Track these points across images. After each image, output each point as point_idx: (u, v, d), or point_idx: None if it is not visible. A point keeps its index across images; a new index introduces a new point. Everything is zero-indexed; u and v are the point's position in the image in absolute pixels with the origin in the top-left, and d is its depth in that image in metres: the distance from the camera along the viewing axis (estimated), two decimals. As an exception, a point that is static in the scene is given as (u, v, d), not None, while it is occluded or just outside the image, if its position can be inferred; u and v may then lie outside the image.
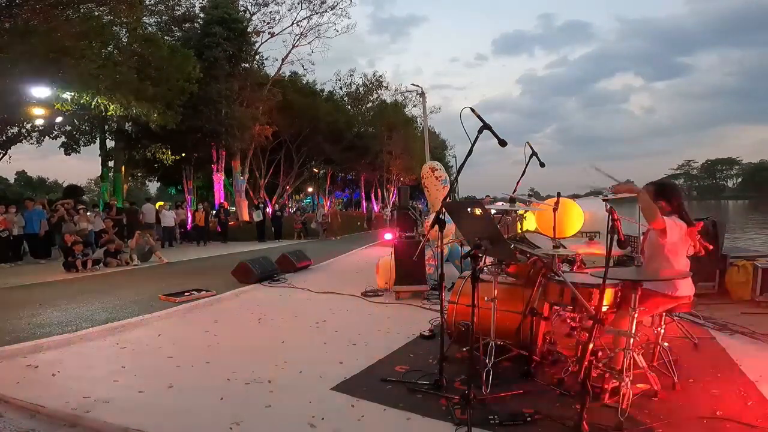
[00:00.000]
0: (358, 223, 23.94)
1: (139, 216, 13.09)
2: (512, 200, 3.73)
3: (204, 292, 5.86)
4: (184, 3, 19.88)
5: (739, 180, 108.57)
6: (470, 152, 2.61)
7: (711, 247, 2.88)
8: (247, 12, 21.50)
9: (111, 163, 19.70)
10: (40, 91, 11.51)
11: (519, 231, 4.65)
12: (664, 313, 2.82)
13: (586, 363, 2.20)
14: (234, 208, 21.56)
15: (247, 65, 21.05)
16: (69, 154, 19.15)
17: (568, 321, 3.41)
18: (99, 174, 20.49)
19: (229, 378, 3.03)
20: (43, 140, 17.73)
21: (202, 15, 20.10)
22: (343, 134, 27.03)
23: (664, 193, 2.71)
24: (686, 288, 2.65)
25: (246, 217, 20.11)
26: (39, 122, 14.40)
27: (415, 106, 33.93)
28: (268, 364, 3.27)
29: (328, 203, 32.90)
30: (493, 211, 3.91)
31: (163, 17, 19.23)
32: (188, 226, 15.85)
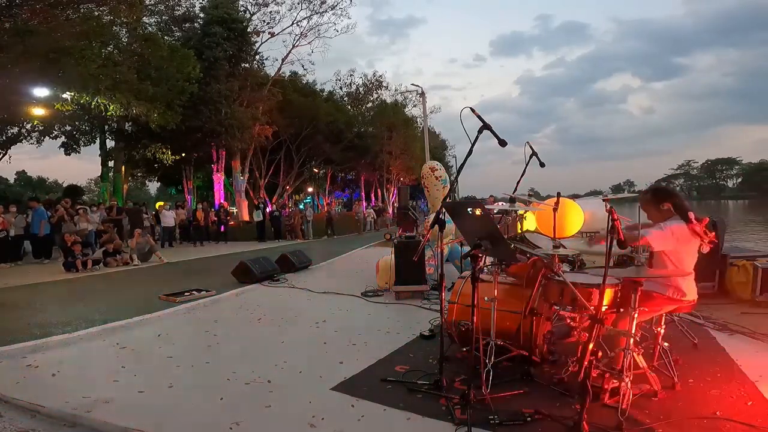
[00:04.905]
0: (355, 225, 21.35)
1: (142, 216, 13.08)
2: (512, 200, 3.74)
3: (204, 292, 5.86)
4: (184, 3, 19.97)
5: (739, 180, 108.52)
6: (470, 152, 2.61)
7: (715, 240, 2.87)
8: (247, 12, 21.55)
9: (111, 163, 19.72)
10: (40, 91, 11.52)
11: (519, 231, 4.64)
12: (664, 314, 2.82)
13: (586, 363, 2.20)
14: (234, 208, 21.56)
15: (247, 65, 21.08)
16: (69, 154, 19.17)
17: (568, 321, 3.41)
18: (99, 174, 20.52)
19: (229, 378, 3.03)
20: (43, 140, 17.74)
21: (202, 15, 20.14)
22: (343, 134, 27.06)
23: (663, 197, 2.72)
24: (692, 292, 2.65)
25: (246, 217, 20.11)
26: (41, 120, 14.30)
27: (415, 106, 34.03)
28: (268, 364, 3.27)
29: (327, 203, 32.94)
30: (495, 211, 3.92)
31: (163, 17, 19.28)
32: (191, 226, 15.71)
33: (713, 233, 2.76)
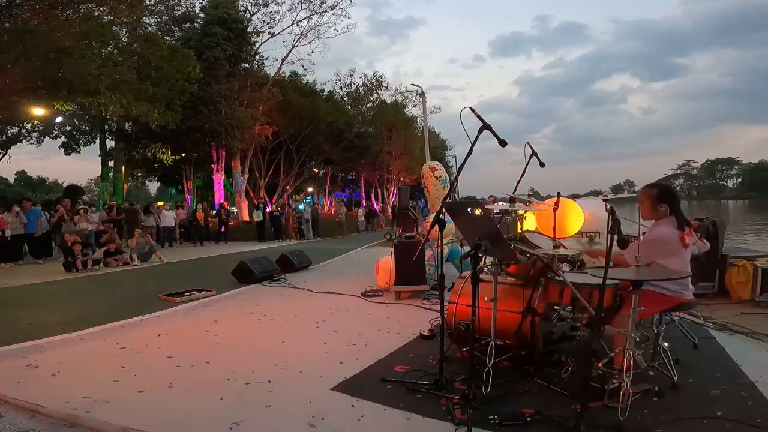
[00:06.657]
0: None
1: (139, 217, 13.05)
2: (512, 200, 3.74)
3: (204, 292, 5.86)
4: (184, 3, 19.97)
5: (739, 180, 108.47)
6: (470, 152, 2.61)
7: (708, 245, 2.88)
8: (247, 12, 21.54)
9: (111, 163, 19.72)
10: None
11: (519, 231, 4.65)
12: (663, 313, 2.83)
13: (586, 363, 2.20)
14: (234, 208, 21.55)
15: (247, 65, 21.08)
16: (69, 154, 19.20)
17: (568, 321, 3.41)
18: (99, 174, 20.53)
19: (229, 378, 3.02)
20: (43, 140, 17.77)
21: (202, 15, 20.14)
22: (343, 134, 27.03)
23: (665, 197, 2.72)
24: (687, 290, 2.65)
25: (246, 217, 20.10)
26: (41, 120, 14.27)
27: (415, 106, 34.03)
28: (268, 364, 3.27)
29: (328, 203, 32.95)
30: (495, 211, 3.91)
31: (163, 17, 19.27)
32: (191, 226, 15.63)
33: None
